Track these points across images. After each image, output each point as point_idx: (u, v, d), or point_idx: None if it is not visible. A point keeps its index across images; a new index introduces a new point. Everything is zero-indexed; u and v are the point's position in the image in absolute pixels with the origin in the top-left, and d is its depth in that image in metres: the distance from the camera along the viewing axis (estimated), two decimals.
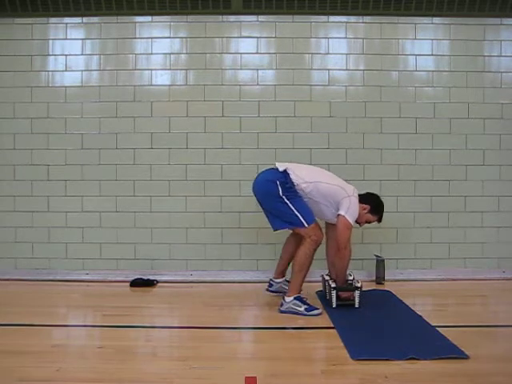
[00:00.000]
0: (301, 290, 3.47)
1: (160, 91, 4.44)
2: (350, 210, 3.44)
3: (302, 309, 3.34)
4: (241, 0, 4.27)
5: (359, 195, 3.63)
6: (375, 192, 3.85)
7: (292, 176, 3.43)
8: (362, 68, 4.45)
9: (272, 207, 3.47)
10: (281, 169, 3.47)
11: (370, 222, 3.74)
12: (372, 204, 3.67)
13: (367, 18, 4.41)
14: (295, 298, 3.39)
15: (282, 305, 3.42)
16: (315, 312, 3.34)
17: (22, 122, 4.42)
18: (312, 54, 4.43)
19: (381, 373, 2.40)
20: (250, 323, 3.42)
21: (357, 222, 3.63)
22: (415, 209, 4.47)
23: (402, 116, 4.45)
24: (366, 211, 3.64)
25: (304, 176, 3.46)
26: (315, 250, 3.45)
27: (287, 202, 3.39)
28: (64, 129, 4.42)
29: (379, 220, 3.74)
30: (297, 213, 3.39)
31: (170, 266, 4.44)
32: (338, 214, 3.45)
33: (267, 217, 3.58)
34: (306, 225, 3.39)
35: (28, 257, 4.44)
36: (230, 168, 4.43)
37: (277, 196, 3.40)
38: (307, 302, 3.43)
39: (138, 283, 4.25)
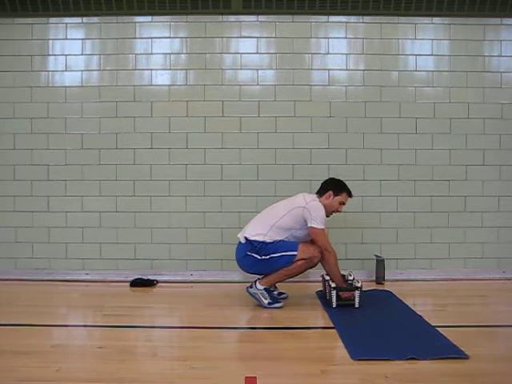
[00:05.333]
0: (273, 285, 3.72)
1: (160, 91, 4.44)
2: (313, 216, 3.53)
3: (265, 301, 3.55)
4: (241, 0, 4.27)
5: (318, 191, 3.76)
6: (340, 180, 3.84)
7: (253, 238, 3.56)
8: (361, 68, 4.45)
9: (268, 269, 3.57)
10: (242, 240, 3.61)
11: (344, 203, 3.75)
12: (331, 187, 3.72)
13: (367, 18, 4.41)
14: (265, 289, 3.58)
15: (251, 286, 3.60)
16: (276, 305, 3.56)
17: (22, 121, 4.42)
18: (312, 53, 4.43)
19: (381, 373, 2.40)
20: (250, 323, 3.42)
21: (333, 212, 3.71)
22: (415, 209, 4.46)
23: (402, 116, 4.45)
24: (331, 198, 3.70)
25: (259, 230, 3.58)
26: (307, 268, 3.59)
27: (268, 256, 3.52)
28: (64, 129, 4.42)
29: (349, 195, 3.75)
30: (280, 254, 3.51)
31: (170, 266, 4.44)
32: (307, 228, 3.57)
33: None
34: (295, 253, 3.51)
35: (28, 257, 4.45)
36: (229, 168, 4.43)
37: (259, 261, 3.55)
38: (274, 295, 3.67)
39: (137, 283, 4.25)
